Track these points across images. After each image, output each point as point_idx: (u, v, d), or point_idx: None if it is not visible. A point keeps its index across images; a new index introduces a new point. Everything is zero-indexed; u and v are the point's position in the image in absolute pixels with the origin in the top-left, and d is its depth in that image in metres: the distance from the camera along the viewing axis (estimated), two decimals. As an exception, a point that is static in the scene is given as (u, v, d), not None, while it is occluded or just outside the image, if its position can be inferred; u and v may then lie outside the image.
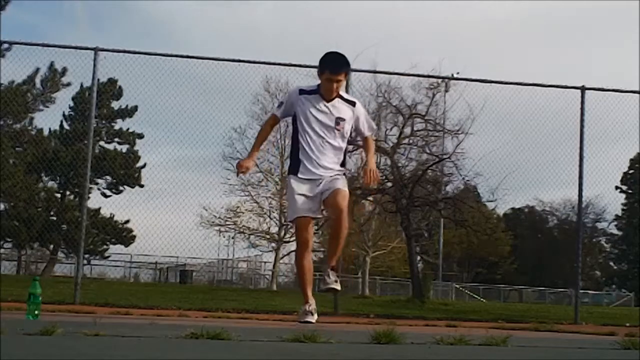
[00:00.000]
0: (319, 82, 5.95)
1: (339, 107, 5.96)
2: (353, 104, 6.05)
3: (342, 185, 5.93)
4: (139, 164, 31.55)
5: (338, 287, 5.98)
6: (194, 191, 14.33)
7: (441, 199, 19.06)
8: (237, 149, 24.10)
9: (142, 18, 71.30)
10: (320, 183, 5.89)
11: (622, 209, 44.47)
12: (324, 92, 5.89)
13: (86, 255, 29.95)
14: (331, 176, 5.91)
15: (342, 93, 6.04)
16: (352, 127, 6.08)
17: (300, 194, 5.89)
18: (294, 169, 5.94)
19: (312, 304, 6.05)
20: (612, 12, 69.25)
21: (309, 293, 6.11)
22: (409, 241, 18.92)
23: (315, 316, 6.03)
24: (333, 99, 5.93)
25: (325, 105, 5.91)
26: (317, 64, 6.01)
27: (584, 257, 33.93)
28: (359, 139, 6.37)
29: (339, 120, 5.94)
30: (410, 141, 18.82)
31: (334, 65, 5.87)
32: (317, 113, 5.91)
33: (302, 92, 5.95)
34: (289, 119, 6.17)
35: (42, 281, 6.31)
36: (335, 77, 5.84)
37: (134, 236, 33.26)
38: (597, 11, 69.32)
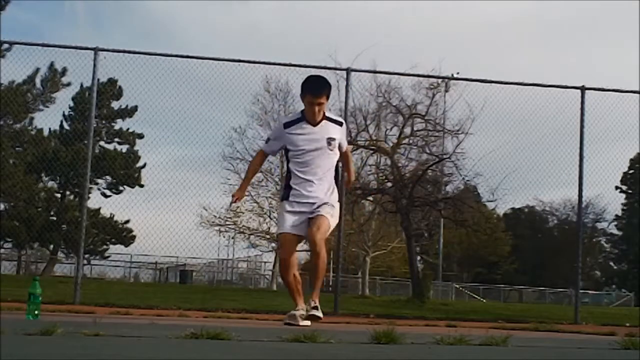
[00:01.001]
0: (301, 108, 6.06)
1: (327, 128, 6.06)
2: (340, 123, 6.19)
3: (326, 212, 5.97)
4: (139, 164, 31.59)
5: (320, 314, 5.96)
6: (194, 191, 14.32)
7: (441, 199, 19.06)
8: (237, 149, 24.12)
9: (142, 18, 71.34)
10: (312, 206, 5.99)
11: (622, 209, 44.50)
12: (309, 117, 5.99)
13: (86, 255, 29.96)
14: (321, 204, 5.97)
15: (328, 113, 6.14)
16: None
17: (290, 211, 6.02)
18: (285, 195, 6.11)
19: (300, 309, 6.03)
20: (612, 12, 69.30)
21: (298, 300, 6.15)
22: (409, 241, 18.92)
23: (307, 322, 5.93)
24: (320, 121, 5.99)
25: (312, 130, 5.98)
26: (317, 64, 6.07)
27: (584, 257, 33.93)
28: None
29: (330, 140, 6.03)
30: (410, 141, 18.82)
31: (314, 88, 5.97)
32: (305, 140, 6.01)
33: (286, 125, 6.07)
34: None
35: (42, 281, 6.31)
36: (316, 99, 5.94)
37: (134, 236, 33.31)
38: (597, 11, 69.37)
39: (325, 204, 5.98)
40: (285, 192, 6.11)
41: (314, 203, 5.98)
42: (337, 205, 6.11)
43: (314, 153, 5.98)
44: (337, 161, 6.23)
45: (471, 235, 21.76)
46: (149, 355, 2.78)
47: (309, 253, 6.75)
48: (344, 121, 6.31)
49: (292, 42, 58.69)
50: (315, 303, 5.94)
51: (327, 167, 6.05)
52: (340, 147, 6.18)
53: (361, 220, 25.02)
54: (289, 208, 6.02)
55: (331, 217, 6.00)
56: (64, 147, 29.82)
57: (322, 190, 6.02)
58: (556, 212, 50.17)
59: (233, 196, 6.22)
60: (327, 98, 6.04)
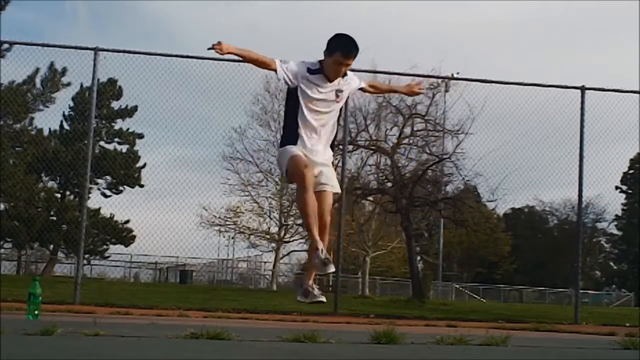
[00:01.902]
0: (318, 58, 5.88)
1: (338, 82, 5.96)
2: (346, 74, 5.87)
3: (333, 184, 5.74)
4: (139, 164, 31.56)
5: (323, 299, 5.70)
6: (194, 191, 14.35)
7: (441, 199, 19.06)
8: (237, 149, 24.10)
9: (142, 18, 71.30)
10: (316, 162, 5.84)
11: (622, 209, 44.46)
12: (329, 73, 5.80)
13: (86, 255, 29.94)
14: (326, 165, 5.86)
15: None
16: (349, 94, 6.01)
17: (300, 151, 5.64)
18: (292, 141, 5.66)
19: (323, 249, 5.42)
20: (613, 13, 69.26)
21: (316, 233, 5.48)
22: (409, 241, 18.92)
23: (330, 268, 5.30)
24: (335, 79, 5.92)
25: (328, 85, 5.88)
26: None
27: (584, 257, 33.95)
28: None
29: (338, 92, 5.91)
30: (410, 141, 18.83)
31: (347, 49, 5.81)
32: (319, 94, 5.80)
33: (309, 70, 5.72)
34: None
35: (42, 281, 6.31)
36: (345, 60, 5.79)
37: (134, 236, 33.24)
38: (597, 11, 69.34)
39: (331, 172, 5.85)
40: (292, 138, 5.65)
41: (319, 161, 5.84)
42: (331, 164, 5.96)
43: (324, 109, 5.88)
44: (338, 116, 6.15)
45: (471, 235, 21.72)
46: (149, 355, 2.78)
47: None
48: (349, 72, 5.92)
49: (292, 42, 58.65)
50: (318, 289, 5.78)
51: (331, 123, 5.86)
52: (361, 89, 6.10)
53: (361, 220, 25.01)
54: (297, 149, 5.58)
55: (332, 188, 5.89)
56: (64, 147, 29.80)
57: (325, 147, 5.90)
58: (556, 212, 50.18)
59: (219, 44, 5.59)
60: (353, 60, 5.97)
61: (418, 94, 6.24)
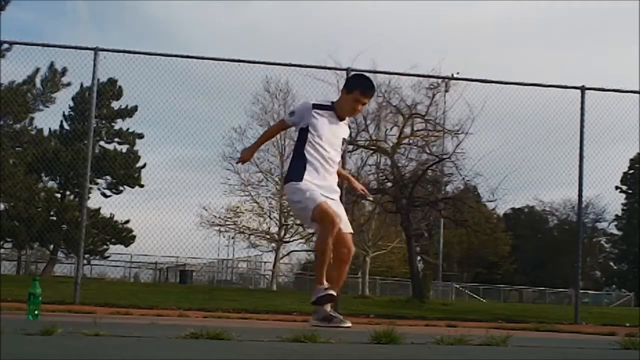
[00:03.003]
0: (333, 99, 6.02)
1: (344, 128, 6.05)
2: (348, 126, 6.25)
3: (348, 224, 5.94)
4: (139, 164, 31.57)
5: (349, 324, 5.73)
6: (194, 191, 14.34)
7: (441, 199, 19.07)
8: (237, 149, 24.09)
9: (142, 18, 71.32)
10: (329, 194, 5.82)
11: (622, 209, 44.47)
12: (344, 111, 5.93)
13: (86, 255, 29.94)
14: (337, 200, 5.95)
15: None
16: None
17: (315, 185, 5.69)
18: (298, 177, 5.72)
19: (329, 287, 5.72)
20: (613, 12, 69.28)
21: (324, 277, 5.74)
22: (409, 241, 18.92)
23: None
24: (344, 119, 5.98)
25: (338, 124, 5.94)
26: (317, 63, 6.06)
27: (584, 257, 33.94)
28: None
29: (343, 140, 6.07)
30: (410, 141, 18.83)
31: (367, 88, 5.96)
32: (330, 130, 5.87)
33: (315, 106, 5.89)
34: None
35: (42, 281, 6.31)
36: (363, 99, 5.92)
37: (134, 236, 33.25)
38: (597, 11, 69.37)
39: (343, 209, 5.91)
40: (299, 173, 5.73)
41: (334, 197, 5.83)
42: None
43: (332, 147, 5.92)
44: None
45: (471, 235, 21.74)
46: (149, 355, 2.78)
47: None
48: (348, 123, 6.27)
49: (292, 42, 58.69)
50: (333, 311, 5.85)
51: (336, 164, 5.99)
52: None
53: (361, 220, 25.01)
54: (312, 183, 5.67)
55: (349, 229, 5.93)
56: (64, 147, 29.81)
57: (337, 189, 5.95)
58: (556, 212, 50.18)
59: (241, 155, 6.14)
60: (369, 100, 6.16)
61: (358, 192, 6.53)
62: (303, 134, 5.85)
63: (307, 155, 5.78)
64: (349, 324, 5.69)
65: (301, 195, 5.68)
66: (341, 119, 5.94)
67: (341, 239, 5.77)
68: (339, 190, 6.00)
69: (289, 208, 26.40)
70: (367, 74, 6.20)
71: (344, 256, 5.84)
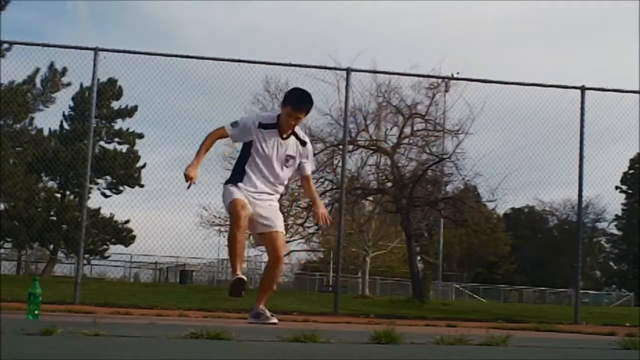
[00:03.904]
0: (278, 112, 6.08)
1: (291, 145, 6.09)
2: (304, 143, 6.19)
3: (281, 225, 6.09)
4: (139, 164, 31.56)
5: (275, 320, 6.17)
6: (194, 191, 14.26)
7: (441, 199, 19.06)
8: (237, 149, 24.02)
9: (142, 18, 71.31)
10: (261, 199, 6.00)
11: (622, 209, 44.47)
12: (282, 126, 5.98)
13: (86, 255, 29.93)
14: (271, 205, 6.00)
15: (298, 131, 6.15)
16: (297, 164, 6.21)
17: (243, 190, 5.99)
18: (235, 180, 6.02)
19: (242, 274, 6.09)
20: (612, 12, 69.28)
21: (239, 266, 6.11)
22: (409, 241, 18.92)
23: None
24: (289, 135, 5.98)
25: (279, 142, 6.01)
26: (317, 63, 6.09)
27: (584, 257, 33.93)
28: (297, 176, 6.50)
29: (288, 158, 6.10)
30: (410, 141, 18.83)
31: (297, 102, 5.98)
32: (271, 149, 6.02)
33: (260, 125, 6.01)
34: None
35: (42, 281, 6.31)
36: (296, 113, 5.96)
37: (134, 236, 33.25)
38: (597, 11, 69.35)
39: (277, 213, 6.08)
40: (235, 179, 6.04)
41: (263, 198, 6.00)
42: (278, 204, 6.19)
43: (274, 163, 6.02)
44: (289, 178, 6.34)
45: (471, 235, 21.73)
46: (149, 355, 2.78)
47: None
48: (308, 142, 6.27)
49: (292, 42, 58.70)
50: (264, 309, 6.14)
51: (280, 180, 6.14)
52: (301, 169, 6.23)
53: (361, 220, 25.01)
54: (239, 190, 5.96)
55: (283, 228, 6.10)
56: (64, 147, 29.80)
57: (274, 198, 6.11)
58: (556, 212, 50.18)
59: (186, 176, 5.90)
60: (306, 114, 6.09)
61: (323, 223, 6.42)
62: (246, 149, 6.06)
63: (248, 171, 6.01)
64: (275, 321, 6.11)
65: (227, 195, 5.99)
66: (284, 136, 5.99)
67: (268, 239, 6.01)
68: (274, 196, 6.13)
69: (289, 208, 26.47)
70: (302, 88, 6.17)
71: (271, 257, 6.09)
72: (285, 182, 6.25)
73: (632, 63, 57.96)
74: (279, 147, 6.01)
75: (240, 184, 5.97)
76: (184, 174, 5.92)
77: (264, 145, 5.96)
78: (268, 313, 6.19)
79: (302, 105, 5.99)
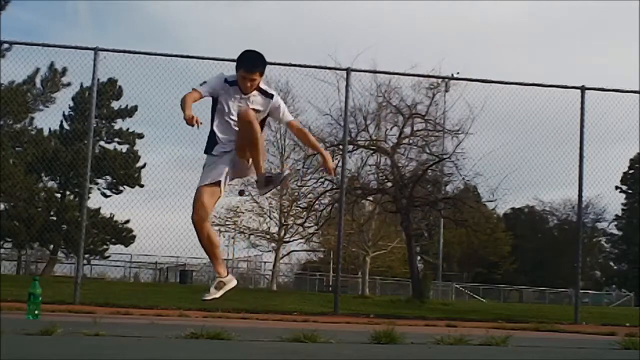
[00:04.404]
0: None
1: (255, 99, 6.20)
2: (271, 96, 6.27)
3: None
4: (139, 164, 31.52)
5: (209, 296, 6.16)
6: (194, 191, 14.27)
7: (441, 199, 19.06)
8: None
9: (142, 18, 71.31)
10: (232, 152, 6.14)
11: (622, 209, 44.44)
12: (242, 87, 6.07)
13: (86, 255, 29.92)
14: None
15: (263, 86, 6.25)
16: (268, 117, 6.32)
17: (209, 166, 6.14)
18: (209, 149, 6.19)
19: (218, 277, 6.27)
20: (612, 12, 69.28)
21: (216, 266, 6.29)
22: (409, 241, 18.92)
23: (217, 293, 6.23)
24: (250, 92, 6.08)
25: (242, 98, 6.16)
26: (317, 63, 6.09)
27: (584, 257, 33.92)
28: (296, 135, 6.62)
29: (255, 110, 6.12)
30: (410, 141, 18.82)
31: (248, 64, 6.07)
32: (233, 104, 6.15)
33: (226, 80, 6.18)
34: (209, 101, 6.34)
35: (42, 281, 6.31)
36: (249, 75, 6.05)
37: (134, 236, 33.23)
38: (597, 11, 69.34)
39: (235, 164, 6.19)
40: (210, 146, 6.20)
41: (232, 149, 6.16)
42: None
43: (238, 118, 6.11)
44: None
45: (471, 235, 21.72)
46: (149, 355, 2.78)
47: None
48: (275, 94, 6.33)
49: (292, 42, 58.67)
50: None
51: None
52: (284, 118, 6.32)
53: (361, 220, 25.01)
54: (209, 161, 6.15)
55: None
56: (64, 147, 29.77)
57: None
58: (556, 212, 50.19)
59: (188, 120, 5.87)
60: (261, 74, 6.16)
61: (328, 171, 6.52)
62: (215, 104, 6.22)
63: (215, 129, 6.19)
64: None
65: (204, 168, 6.19)
66: (245, 93, 6.09)
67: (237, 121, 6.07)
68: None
69: (289, 208, 26.47)
70: (253, 50, 6.22)
71: (242, 131, 6.04)
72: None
73: (632, 63, 57.93)
74: (240, 101, 6.15)
75: (214, 152, 6.14)
76: (185, 119, 5.91)
77: (227, 100, 6.15)
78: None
79: (254, 68, 6.09)
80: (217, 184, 6.05)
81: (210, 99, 6.23)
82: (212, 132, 6.22)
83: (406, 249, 20.46)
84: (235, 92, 6.13)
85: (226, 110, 6.13)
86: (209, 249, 6.17)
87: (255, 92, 6.15)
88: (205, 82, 6.23)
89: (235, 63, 6.18)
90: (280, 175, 6.10)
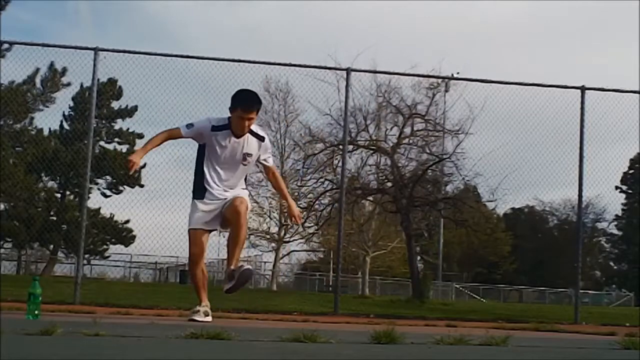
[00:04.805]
0: (228, 115, 6.11)
1: (248, 142, 6.14)
2: (262, 139, 6.23)
3: (243, 194, 6.19)
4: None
5: (203, 318, 6.10)
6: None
7: (441, 199, 19.06)
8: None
9: (142, 18, 71.33)
10: (224, 202, 6.13)
11: (622, 209, 44.47)
12: (235, 129, 6.04)
13: (86, 255, 29.93)
14: (234, 195, 6.12)
15: (254, 127, 6.17)
16: (256, 159, 6.31)
17: (203, 210, 6.15)
18: (200, 195, 6.16)
19: (205, 306, 6.29)
20: (612, 12, 69.30)
21: (204, 296, 6.37)
22: (409, 241, 18.91)
23: (208, 318, 6.18)
24: (244, 133, 6.00)
25: (235, 142, 6.09)
26: (317, 63, 6.07)
27: (584, 257, 33.93)
28: (261, 167, 6.62)
29: (246, 155, 6.16)
30: (410, 141, 18.82)
31: (246, 104, 5.99)
32: (226, 150, 6.09)
33: (214, 128, 6.06)
34: (195, 143, 6.31)
35: (42, 281, 6.31)
36: (247, 115, 5.97)
37: (134, 236, 33.24)
38: (597, 11, 69.36)
39: (237, 192, 6.17)
40: (199, 192, 6.18)
41: (226, 199, 6.13)
42: (247, 197, 6.26)
43: (230, 163, 6.12)
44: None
45: (471, 235, 21.71)
46: (149, 355, 2.78)
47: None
48: (266, 136, 6.30)
49: (292, 42, 58.71)
50: (235, 267, 6.07)
51: (239, 177, 6.23)
52: (264, 162, 6.32)
53: (361, 220, 25.01)
54: (202, 207, 6.14)
55: (246, 196, 6.18)
56: (64, 147, 29.77)
57: (234, 186, 6.22)
58: (556, 212, 50.23)
59: (129, 161, 5.93)
60: (257, 113, 6.10)
61: (293, 219, 6.57)
62: (202, 150, 6.15)
63: (206, 172, 6.13)
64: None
65: (191, 214, 6.20)
66: (238, 136, 6.02)
67: (228, 210, 6.04)
68: (237, 188, 6.22)
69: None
70: (248, 89, 6.21)
71: (233, 226, 6.06)
72: (244, 177, 6.32)
73: (632, 63, 57.96)
74: (234, 146, 6.03)
75: (205, 200, 6.13)
76: (127, 159, 5.98)
77: (217, 147, 6.05)
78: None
79: (252, 106, 6.02)
80: (209, 232, 6.21)
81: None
82: (200, 180, 6.16)
83: (406, 249, 20.45)
84: (224, 138, 6.02)
85: (217, 159, 6.06)
86: (202, 282, 6.36)
87: (247, 135, 6.06)
88: (191, 125, 6.11)
89: (228, 102, 6.09)
90: (238, 271, 6.06)
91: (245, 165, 6.17)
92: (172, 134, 6.13)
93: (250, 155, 6.12)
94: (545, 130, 13.23)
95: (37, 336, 3.33)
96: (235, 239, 6.07)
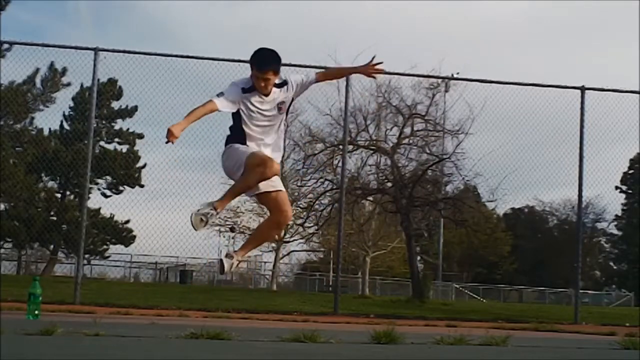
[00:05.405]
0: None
1: (278, 96, 5.98)
2: (285, 82, 6.03)
3: (283, 187, 6.02)
4: (139, 164, 31.52)
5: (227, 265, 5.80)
6: (194, 191, 14.30)
7: (441, 199, 19.06)
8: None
9: (142, 18, 71.30)
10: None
11: (622, 209, 44.43)
12: (258, 88, 5.94)
13: (86, 255, 29.90)
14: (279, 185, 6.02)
15: (276, 79, 5.98)
16: (296, 94, 6.09)
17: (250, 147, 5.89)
18: (241, 142, 5.89)
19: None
20: (612, 12, 69.25)
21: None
22: (409, 241, 18.91)
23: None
24: (270, 91, 5.95)
25: (265, 100, 5.91)
26: (317, 63, 6.02)
27: (584, 257, 33.95)
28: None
29: (280, 105, 6.00)
30: (410, 141, 18.82)
31: (260, 63, 5.89)
32: (259, 109, 5.93)
33: (244, 90, 5.90)
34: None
35: (42, 281, 6.31)
36: (262, 75, 5.87)
37: (134, 236, 33.21)
38: (597, 11, 69.32)
39: (279, 179, 6.00)
40: (240, 141, 5.91)
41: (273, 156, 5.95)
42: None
43: (267, 121, 6.00)
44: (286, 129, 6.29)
45: (471, 235, 21.72)
46: (149, 355, 2.78)
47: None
48: (285, 77, 6.05)
49: (292, 42, 58.63)
50: (236, 255, 5.87)
51: (278, 132, 6.06)
52: (307, 84, 6.11)
53: (361, 220, 25.00)
54: (248, 145, 5.86)
55: (284, 189, 6.01)
56: (64, 147, 29.77)
57: (270, 150, 5.97)
58: (556, 212, 50.17)
59: (170, 131, 5.58)
60: (275, 73, 5.89)
61: (376, 73, 6.28)
62: (239, 114, 5.93)
63: (246, 132, 5.90)
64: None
65: (234, 150, 5.83)
66: (266, 94, 5.98)
67: (272, 198, 5.85)
68: (277, 152, 6.04)
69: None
70: (267, 47, 6.08)
71: (277, 214, 5.87)
72: (284, 128, 6.15)
73: (632, 63, 57.88)
74: (266, 105, 5.93)
75: (247, 143, 5.85)
76: (168, 129, 5.62)
77: (252, 108, 5.89)
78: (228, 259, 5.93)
79: (266, 66, 5.83)
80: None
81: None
82: (240, 129, 5.91)
83: (406, 249, 20.45)
84: (254, 98, 5.88)
85: (254, 116, 5.89)
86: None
87: (274, 89, 5.90)
88: (222, 93, 5.88)
89: (248, 63, 5.90)
90: (225, 259, 5.83)
91: (281, 113, 6.07)
92: (208, 109, 5.86)
93: (283, 103, 5.96)
94: (545, 130, 13.25)
95: (37, 336, 3.34)
96: (259, 238, 6.08)
